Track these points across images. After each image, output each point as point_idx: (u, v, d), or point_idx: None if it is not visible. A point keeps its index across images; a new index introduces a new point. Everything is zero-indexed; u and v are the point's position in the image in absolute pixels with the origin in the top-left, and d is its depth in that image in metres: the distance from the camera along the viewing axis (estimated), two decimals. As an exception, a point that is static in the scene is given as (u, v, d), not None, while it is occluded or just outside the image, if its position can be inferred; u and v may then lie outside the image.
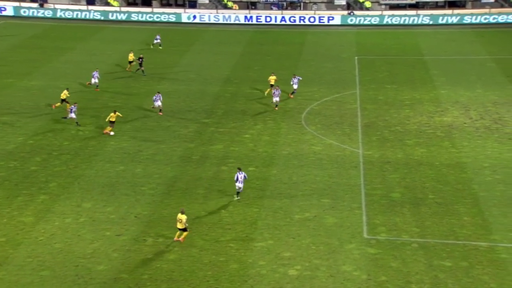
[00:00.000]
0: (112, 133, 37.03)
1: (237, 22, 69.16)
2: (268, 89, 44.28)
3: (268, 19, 68.99)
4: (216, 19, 69.44)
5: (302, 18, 68.50)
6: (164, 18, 69.97)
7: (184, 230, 26.24)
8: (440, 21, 67.05)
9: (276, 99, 40.52)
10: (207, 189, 31.19)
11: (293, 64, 53.27)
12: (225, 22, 69.21)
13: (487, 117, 40.04)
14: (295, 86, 43.69)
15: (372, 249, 25.70)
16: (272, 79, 44.25)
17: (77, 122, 38.79)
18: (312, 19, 68.26)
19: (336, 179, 32.01)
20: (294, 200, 29.96)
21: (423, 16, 67.27)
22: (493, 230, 26.60)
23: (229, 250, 25.96)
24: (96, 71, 46.00)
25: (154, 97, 40.88)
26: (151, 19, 69.99)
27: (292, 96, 43.74)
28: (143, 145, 36.16)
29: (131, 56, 50.48)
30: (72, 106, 39.02)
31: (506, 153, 34.35)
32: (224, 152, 35.55)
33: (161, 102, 40.61)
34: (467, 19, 66.78)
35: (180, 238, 26.23)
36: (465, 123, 39.15)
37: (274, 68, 51.63)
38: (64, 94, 41.08)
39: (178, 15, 69.88)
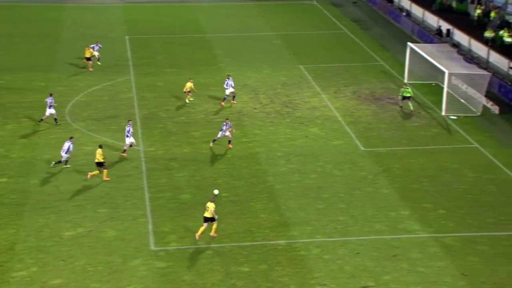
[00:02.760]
0: (106, 178, 31.47)
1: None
2: (188, 97, 40.95)
3: (15, -10, 64.74)
4: None
5: (57, -11, 65.61)
6: None
7: (212, 220, 26.75)
8: (219, -6, 69.56)
9: (224, 134, 34.55)
10: None
11: (50, 48, 50.87)
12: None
13: (277, 100, 42.69)
14: (230, 90, 40.78)
15: (161, 262, 25.69)
16: (189, 86, 40.69)
17: (55, 119, 36.93)
18: (70, -9, 65.85)
19: (114, 183, 31.37)
20: (63, 214, 28.66)
21: (201, -12, 69.10)
22: (291, 225, 28.40)
23: (-20, 287, 23.80)
24: None
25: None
26: None
27: (234, 101, 41.23)
28: None
29: (88, 52, 45.11)
30: (48, 98, 36.41)
31: (298, 139, 36.97)
32: (-34, 161, 32.52)
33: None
34: (247, -9, 70.25)
35: (211, 233, 26.96)
36: (255, 109, 41.22)
37: (26, 52, 48.75)
38: None
39: None
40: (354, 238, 27.51)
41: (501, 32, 49.88)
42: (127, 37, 55.09)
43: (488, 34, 50.69)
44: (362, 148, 35.96)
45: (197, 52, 52.05)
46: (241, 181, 32.04)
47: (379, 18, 64.02)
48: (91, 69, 46.14)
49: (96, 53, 47.16)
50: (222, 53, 52.00)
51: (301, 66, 49.21)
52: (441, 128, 38.80)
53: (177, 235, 27.49)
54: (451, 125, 39.33)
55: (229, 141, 35.17)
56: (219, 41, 55.16)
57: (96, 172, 31.54)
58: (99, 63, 47.26)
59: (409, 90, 40.34)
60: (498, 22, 52.05)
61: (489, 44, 49.32)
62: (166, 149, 35.16)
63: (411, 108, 40.37)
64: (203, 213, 27.32)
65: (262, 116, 40.04)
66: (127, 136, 33.74)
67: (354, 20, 62.98)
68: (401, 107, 40.80)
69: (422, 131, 38.27)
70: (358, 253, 26.48)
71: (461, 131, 38.41)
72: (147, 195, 30.48)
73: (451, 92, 41.68)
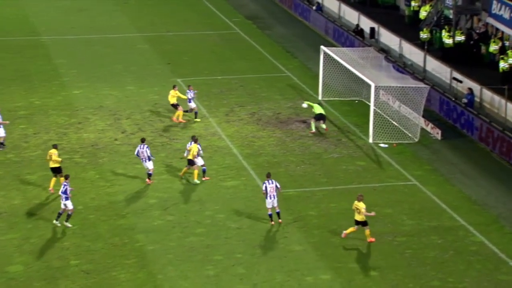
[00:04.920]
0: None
1: None
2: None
3: None
4: None
5: None
6: None
7: (364, 224, 31.33)
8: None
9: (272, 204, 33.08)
10: None
11: None
12: None
13: (148, 127, 42.58)
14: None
15: None
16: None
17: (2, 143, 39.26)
18: None
19: None
20: None
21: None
22: (171, 301, 28.18)
23: None
24: None
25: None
26: None
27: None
28: None
29: (173, 95, 42.97)
30: None
31: (179, 181, 36.88)
32: None
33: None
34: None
35: (368, 239, 31.61)
36: (116, 140, 40.93)
37: None
38: None
39: None
40: (259, 315, 27.65)
41: (440, 32, 52.26)
42: None
43: (424, 34, 52.97)
44: (265, 191, 36.36)
45: (29, 61, 51.71)
46: (98, 242, 31.61)
47: (282, 14, 65.55)
48: (182, 120, 43.17)
49: (192, 105, 43.33)
50: (66, 63, 51.71)
51: (179, 80, 49.41)
52: (368, 161, 39.90)
53: (6, 324, 26.73)
54: (381, 155, 40.53)
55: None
56: (60, 46, 54.79)
57: (53, 179, 34.42)
58: (197, 119, 43.48)
59: (319, 106, 41.57)
60: (435, 18, 54.54)
61: (426, 47, 51.53)
62: (-12, 200, 34.33)
63: (324, 127, 41.54)
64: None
65: (126, 149, 39.78)
66: (149, 159, 35.94)
67: (250, 16, 64.13)
68: (312, 132, 41.68)
69: (343, 164, 39.19)
70: (265, 336, 26.62)
71: (394, 163, 39.64)
72: (-41, 269, 29.67)
73: (379, 111, 43.02)
